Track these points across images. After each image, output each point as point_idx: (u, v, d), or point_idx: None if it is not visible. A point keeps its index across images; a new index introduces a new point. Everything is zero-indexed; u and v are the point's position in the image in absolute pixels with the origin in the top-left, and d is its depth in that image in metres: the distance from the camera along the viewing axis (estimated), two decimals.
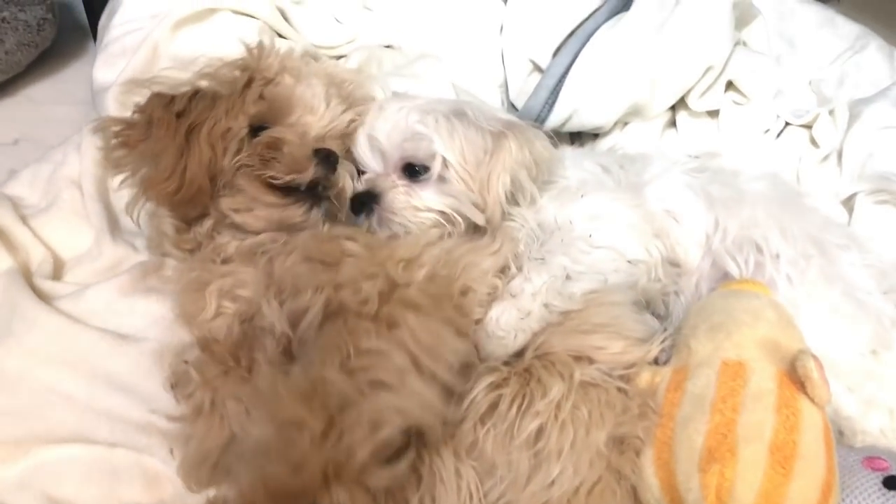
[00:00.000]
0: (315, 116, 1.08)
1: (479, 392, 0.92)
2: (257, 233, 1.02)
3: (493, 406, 0.92)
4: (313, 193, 1.04)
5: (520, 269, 1.02)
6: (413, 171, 1.08)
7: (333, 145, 1.08)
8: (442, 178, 1.07)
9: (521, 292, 0.98)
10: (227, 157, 0.99)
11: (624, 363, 0.98)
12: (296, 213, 1.02)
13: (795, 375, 0.85)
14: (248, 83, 1.06)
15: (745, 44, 1.52)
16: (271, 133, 1.03)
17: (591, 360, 0.97)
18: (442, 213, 1.07)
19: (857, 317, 1.04)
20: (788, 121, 1.47)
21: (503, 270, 1.02)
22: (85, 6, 1.77)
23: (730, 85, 1.46)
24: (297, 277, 0.94)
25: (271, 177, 1.00)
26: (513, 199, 1.09)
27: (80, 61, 1.72)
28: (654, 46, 1.38)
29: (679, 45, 1.38)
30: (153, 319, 1.04)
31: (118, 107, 1.26)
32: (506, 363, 0.97)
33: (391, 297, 0.90)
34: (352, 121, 1.13)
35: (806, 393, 0.84)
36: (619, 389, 0.95)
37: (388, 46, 1.54)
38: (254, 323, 0.97)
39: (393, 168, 1.10)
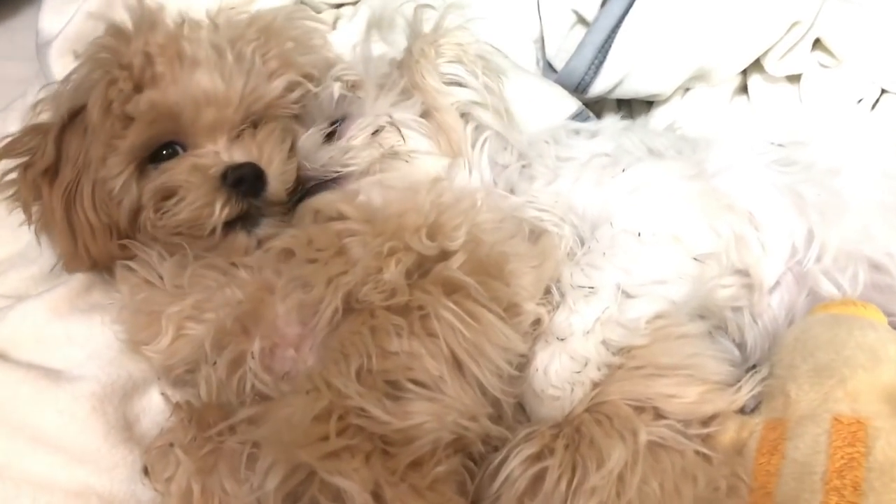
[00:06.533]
0: (215, 107, 0.85)
1: (516, 466, 0.73)
2: None
3: (537, 481, 0.73)
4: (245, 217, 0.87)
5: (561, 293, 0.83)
6: None
7: (270, 117, 0.91)
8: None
9: (571, 333, 0.79)
10: (123, 215, 0.83)
11: (701, 415, 0.79)
12: (231, 246, 0.86)
13: None
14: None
15: None
16: (161, 177, 0.84)
17: (658, 413, 0.78)
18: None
19: None
20: (885, 88, 1.23)
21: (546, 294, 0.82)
22: None
23: (816, 43, 1.23)
24: (297, 276, 0.78)
25: (176, 231, 0.83)
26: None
27: (32, 9, 1.46)
28: None
29: None
30: (95, 349, 0.84)
31: (63, 65, 1.03)
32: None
33: (425, 277, 0.76)
34: (290, 85, 0.92)
35: None
36: (698, 453, 0.76)
37: None
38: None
39: None
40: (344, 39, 1.16)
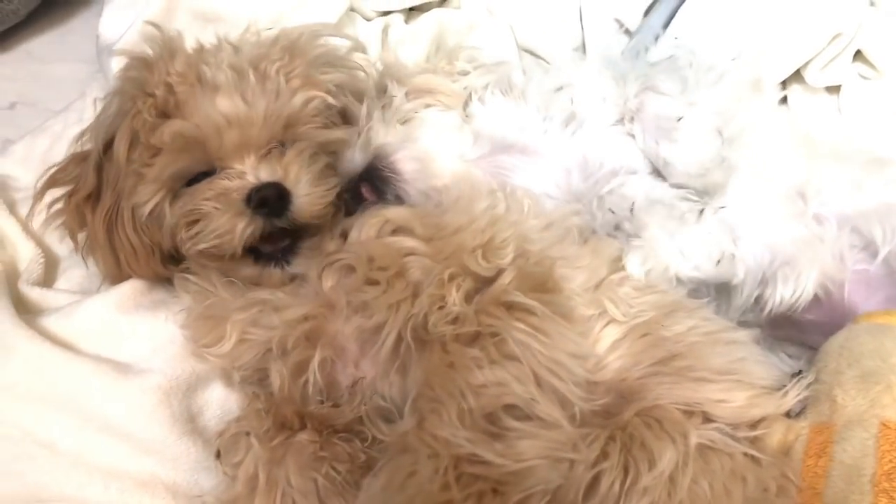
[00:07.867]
0: (238, 128, 0.84)
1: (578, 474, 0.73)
2: None
3: (592, 484, 0.73)
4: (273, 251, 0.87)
5: None
6: None
7: (299, 136, 0.89)
8: None
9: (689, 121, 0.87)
10: (165, 237, 0.85)
11: (749, 419, 0.80)
12: (267, 282, 0.86)
13: None
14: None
15: (872, 3, 1.26)
16: (188, 202, 0.84)
17: (707, 417, 0.78)
18: None
19: None
20: None
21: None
22: None
23: (857, 55, 1.22)
24: (356, 299, 0.79)
25: (202, 251, 0.84)
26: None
27: (89, 11, 1.51)
28: (771, 6, 1.16)
29: (802, 5, 1.16)
30: (160, 344, 0.85)
31: None
32: (601, 424, 0.77)
33: (485, 301, 0.76)
34: (308, 98, 0.90)
35: None
36: (747, 455, 0.77)
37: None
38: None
39: None
40: None
